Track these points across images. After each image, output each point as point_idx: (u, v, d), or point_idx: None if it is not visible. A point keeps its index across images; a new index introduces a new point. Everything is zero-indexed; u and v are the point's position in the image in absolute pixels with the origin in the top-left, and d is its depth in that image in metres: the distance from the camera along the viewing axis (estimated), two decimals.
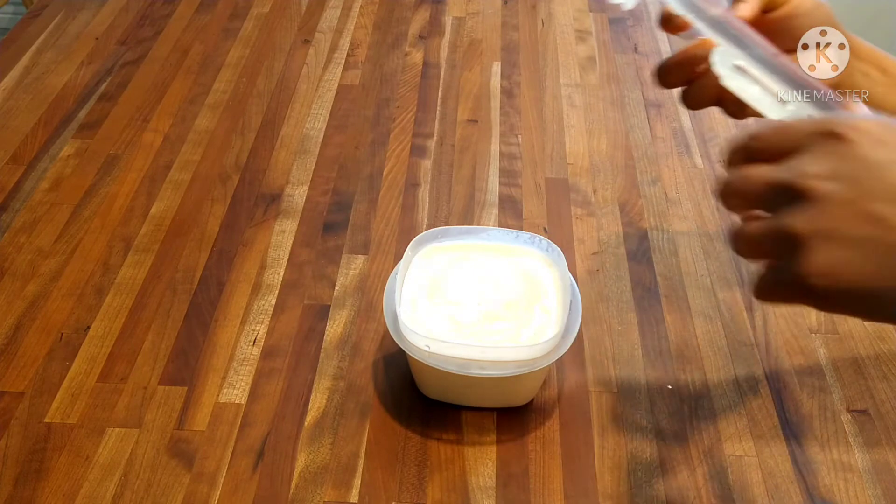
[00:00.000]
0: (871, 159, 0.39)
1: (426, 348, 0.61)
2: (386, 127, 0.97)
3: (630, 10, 1.19)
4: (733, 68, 0.51)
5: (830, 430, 0.66)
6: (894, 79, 0.59)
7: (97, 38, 1.12)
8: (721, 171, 0.91)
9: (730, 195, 0.42)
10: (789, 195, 0.40)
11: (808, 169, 0.39)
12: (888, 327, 0.74)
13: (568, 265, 0.67)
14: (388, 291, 0.65)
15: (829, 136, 0.40)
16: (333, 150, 0.93)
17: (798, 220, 0.39)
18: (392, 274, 0.67)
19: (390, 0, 1.21)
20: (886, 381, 0.69)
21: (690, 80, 0.55)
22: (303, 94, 1.02)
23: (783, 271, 0.40)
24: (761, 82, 0.51)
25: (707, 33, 0.51)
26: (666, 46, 1.12)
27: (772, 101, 0.50)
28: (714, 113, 1.00)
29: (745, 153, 0.43)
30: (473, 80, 1.05)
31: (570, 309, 0.63)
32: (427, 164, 0.92)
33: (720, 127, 0.98)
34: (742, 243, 0.42)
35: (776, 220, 0.40)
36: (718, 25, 0.51)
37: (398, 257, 0.77)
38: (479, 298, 0.66)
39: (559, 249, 0.68)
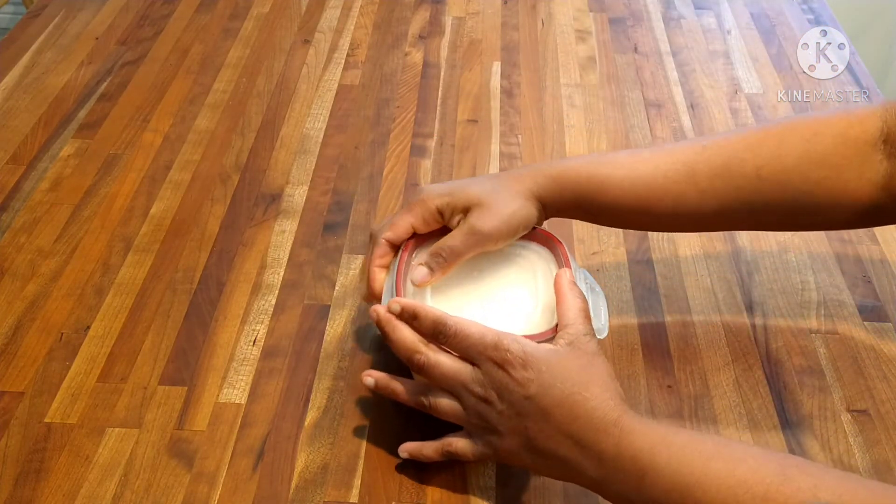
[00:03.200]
0: (521, 392, 0.55)
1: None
2: (386, 127, 0.97)
3: (630, 11, 1.20)
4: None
5: (830, 430, 0.66)
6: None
7: (97, 38, 1.12)
8: None
9: (421, 372, 0.59)
10: (462, 392, 0.58)
11: (472, 387, 0.57)
12: (888, 327, 0.74)
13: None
14: (387, 289, 0.65)
15: (493, 363, 0.56)
16: (333, 150, 0.93)
17: (475, 418, 0.58)
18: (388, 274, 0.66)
19: (390, 0, 1.21)
20: (886, 381, 0.69)
21: None
22: (303, 94, 1.02)
23: (471, 441, 0.59)
24: None
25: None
26: (666, 46, 1.12)
27: None
28: (714, 113, 1.00)
29: (434, 336, 0.58)
30: (473, 80, 1.05)
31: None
32: (427, 164, 0.92)
33: (720, 127, 0.98)
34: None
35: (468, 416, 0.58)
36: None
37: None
38: (480, 295, 0.65)
39: (562, 241, 0.67)
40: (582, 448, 0.54)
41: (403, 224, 0.65)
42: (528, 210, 0.65)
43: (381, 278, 0.66)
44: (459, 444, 0.59)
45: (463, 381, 0.57)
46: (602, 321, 0.63)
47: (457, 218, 0.65)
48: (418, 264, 0.64)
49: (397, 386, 0.61)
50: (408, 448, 0.61)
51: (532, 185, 0.65)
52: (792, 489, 0.48)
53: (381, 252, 0.66)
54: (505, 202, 0.64)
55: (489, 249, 0.65)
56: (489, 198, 0.64)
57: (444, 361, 0.58)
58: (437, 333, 0.58)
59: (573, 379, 0.56)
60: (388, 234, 0.66)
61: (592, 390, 0.55)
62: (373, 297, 0.66)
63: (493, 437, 0.57)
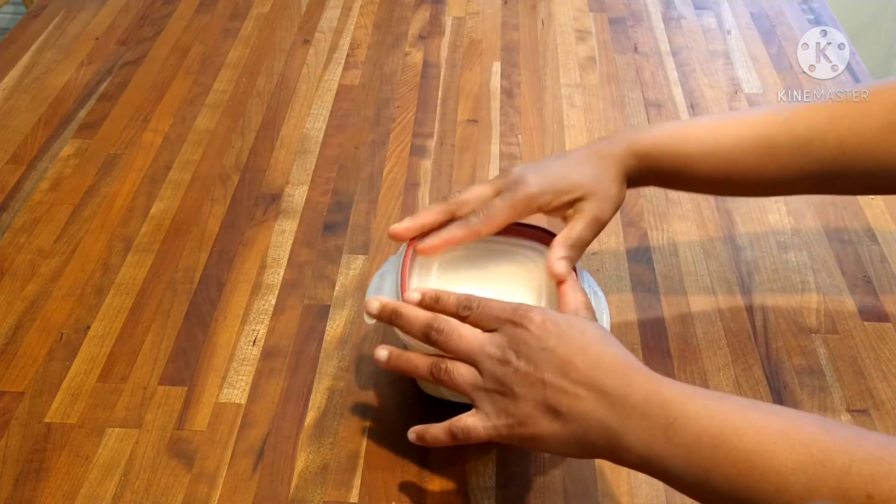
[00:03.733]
0: (538, 345, 0.54)
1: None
2: (386, 127, 0.97)
3: (630, 11, 1.20)
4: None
5: None
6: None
7: (97, 38, 1.12)
8: None
9: (438, 342, 0.57)
10: (481, 359, 0.56)
11: (489, 349, 0.55)
12: (888, 327, 0.74)
13: None
14: (390, 287, 0.65)
15: (513, 324, 0.55)
16: (333, 150, 0.93)
17: (492, 381, 0.55)
18: (379, 273, 0.66)
19: (390, 0, 1.21)
20: (886, 381, 0.69)
21: None
22: (303, 94, 1.02)
23: (483, 414, 0.55)
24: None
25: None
26: (666, 46, 1.12)
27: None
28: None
29: (457, 313, 0.58)
30: (473, 80, 1.05)
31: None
32: (427, 164, 0.92)
33: None
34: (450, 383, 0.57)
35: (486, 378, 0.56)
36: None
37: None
38: (486, 291, 0.65)
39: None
40: (605, 397, 0.51)
41: (502, 218, 0.65)
42: (623, 192, 0.67)
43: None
44: (469, 420, 0.56)
45: (481, 343, 0.56)
46: (604, 325, 0.63)
47: (563, 208, 0.65)
48: (559, 258, 0.63)
49: (412, 356, 0.59)
50: (415, 430, 0.59)
51: (623, 167, 0.66)
52: (834, 439, 0.45)
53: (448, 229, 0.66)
54: (609, 187, 0.65)
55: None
56: (597, 186, 0.65)
57: (464, 327, 0.57)
58: (462, 308, 0.57)
59: (592, 335, 0.54)
60: (483, 227, 0.64)
61: (612, 345, 0.54)
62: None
63: (509, 404, 0.54)
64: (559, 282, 0.62)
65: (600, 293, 0.66)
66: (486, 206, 0.64)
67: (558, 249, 0.63)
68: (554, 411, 0.53)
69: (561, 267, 0.62)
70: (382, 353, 0.60)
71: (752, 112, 0.71)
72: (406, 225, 0.65)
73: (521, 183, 0.64)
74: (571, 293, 0.60)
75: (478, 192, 0.65)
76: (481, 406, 0.56)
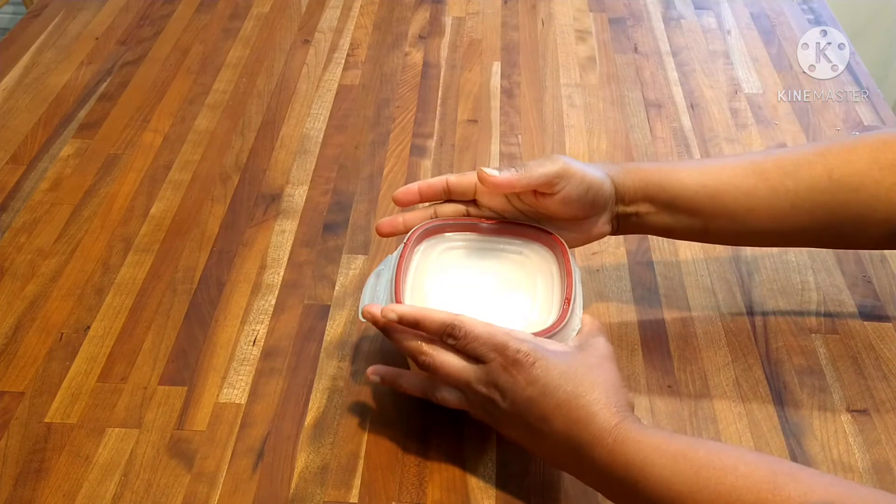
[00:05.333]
0: (524, 394, 0.56)
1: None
2: (386, 127, 0.97)
3: (630, 11, 1.20)
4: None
5: (830, 430, 0.66)
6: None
7: (97, 38, 1.12)
8: None
9: (422, 368, 0.60)
10: (466, 390, 0.59)
11: (476, 386, 0.58)
12: (888, 327, 0.74)
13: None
14: (385, 287, 0.65)
15: (501, 365, 0.57)
16: (333, 150, 0.93)
17: (477, 408, 0.60)
18: (376, 272, 0.66)
19: (390, 0, 1.21)
20: (886, 381, 0.69)
21: None
22: (303, 94, 1.02)
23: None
24: None
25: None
26: (666, 46, 1.12)
27: None
28: (714, 113, 1.00)
29: (448, 340, 0.59)
30: (473, 80, 1.05)
31: (573, 303, 0.63)
32: (427, 164, 0.92)
33: (720, 127, 0.98)
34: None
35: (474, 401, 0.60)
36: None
37: None
38: (479, 294, 0.65)
39: (563, 241, 0.67)
40: (578, 453, 0.55)
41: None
42: (606, 187, 0.66)
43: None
44: (449, 396, 0.60)
45: (468, 380, 0.58)
46: (575, 327, 0.64)
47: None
48: (495, 168, 0.64)
49: (403, 381, 0.63)
50: (378, 371, 0.63)
51: (610, 171, 0.67)
52: (782, 497, 0.48)
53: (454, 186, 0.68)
54: (588, 173, 0.65)
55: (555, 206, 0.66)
56: (575, 166, 0.65)
57: (450, 362, 0.59)
58: (446, 336, 0.59)
59: (578, 381, 0.56)
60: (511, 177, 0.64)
61: (595, 394, 0.56)
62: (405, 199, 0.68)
63: (498, 425, 0.60)
64: (480, 179, 0.64)
65: (578, 279, 0.65)
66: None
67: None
68: (538, 446, 0.58)
69: (498, 173, 0.64)
70: (375, 378, 0.63)
71: (739, 154, 0.73)
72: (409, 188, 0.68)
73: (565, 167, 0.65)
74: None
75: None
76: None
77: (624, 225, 0.69)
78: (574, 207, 0.66)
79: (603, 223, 0.68)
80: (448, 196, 0.69)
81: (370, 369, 0.63)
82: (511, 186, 0.64)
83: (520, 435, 0.58)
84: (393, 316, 0.59)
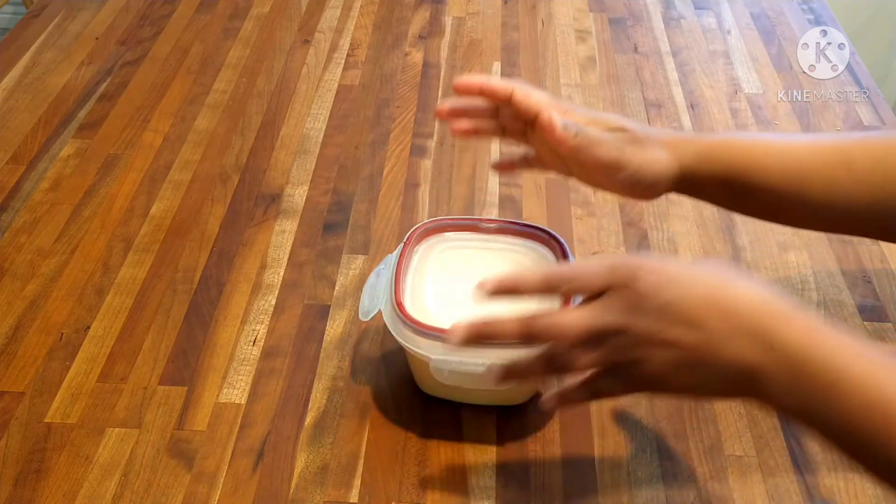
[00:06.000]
0: (658, 301, 0.48)
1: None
2: (386, 127, 0.97)
3: (630, 11, 1.20)
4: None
5: None
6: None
7: (97, 38, 1.12)
8: None
9: (537, 339, 0.51)
10: (600, 337, 0.49)
11: (601, 323, 0.49)
12: (888, 327, 0.74)
13: None
14: (385, 286, 0.64)
15: (621, 286, 0.49)
16: (333, 150, 0.93)
17: (617, 354, 0.49)
18: (376, 271, 0.66)
19: (390, 0, 1.21)
20: None
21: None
22: (303, 94, 1.02)
23: (618, 378, 0.51)
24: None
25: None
26: (666, 46, 1.12)
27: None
28: (714, 113, 1.00)
29: (549, 289, 0.52)
30: None
31: (573, 302, 0.63)
32: (427, 164, 0.92)
33: (720, 127, 0.98)
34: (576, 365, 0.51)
35: (603, 351, 0.50)
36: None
37: None
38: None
39: (563, 241, 0.67)
40: (752, 340, 0.46)
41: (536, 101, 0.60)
42: (665, 166, 0.60)
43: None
44: (602, 384, 0.51)
45: (589, 320, 0.49)
46: None
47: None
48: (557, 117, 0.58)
49: (523, 364, 0.53)
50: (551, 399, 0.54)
51: (681, 151, 0.60)
52: None
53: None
54: (648, 148, 0.59)
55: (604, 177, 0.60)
56: (637, 130, 0.60)
57: (569, 315, 0.50)
58: (552, 286, 0.52)
59: (714, 275, 0.49)
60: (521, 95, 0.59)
61: (743, 280, 0.48)
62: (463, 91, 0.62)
63: (642, 368, 0.49)
64: (540, 121, 0.58)
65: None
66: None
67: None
68: (690, 367, 0.48)
69: (557, 120, 0.58)
70: (455, 337, 0.53)
71: (824, 134, 0.66)
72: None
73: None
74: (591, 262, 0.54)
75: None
76: (611, 380, 0.51)
77: (679, 191, 0.63)
78: (620, 189, 0.61)
79: (651, 195, 0.62)
80: (505, 103, 0.62)
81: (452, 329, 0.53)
82: (560, 145, 0.59)
83: (667, 368, 0.48)
84: (489, 287, 0.52)
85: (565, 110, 0.60)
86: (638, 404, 0.67)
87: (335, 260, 0.80)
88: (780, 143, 0.62)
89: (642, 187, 0.60)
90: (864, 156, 0.60)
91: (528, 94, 0.61)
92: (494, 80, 0.61)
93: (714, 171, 0.60)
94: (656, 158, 0.60)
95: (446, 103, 0.63)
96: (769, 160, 0.60)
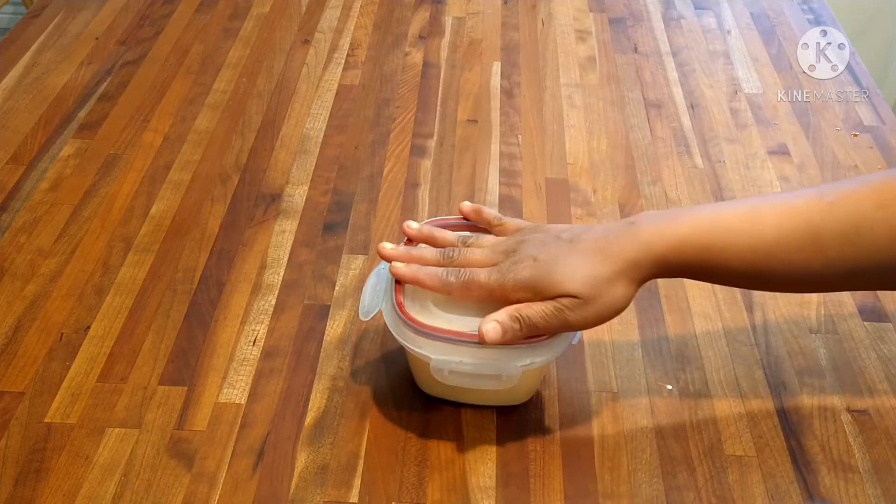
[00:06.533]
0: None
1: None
2: (386, 127, 0.97)
3: (630, 11, 1.20)
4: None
5: (830, 430, 0.66)
6: None
7: (97, 38, 1.12)
8: (720, 170, 0.91)
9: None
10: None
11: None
12: (888, 327, 0.74)
13: None
14: (384, 286, 0.65)
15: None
16: (333, 150, 0.93)
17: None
18: (376, 271, 0.66)
19: (390, 0, 1.21)
20: (887, 381, 0.69)
21: None
22: (303, 94, 1.02)
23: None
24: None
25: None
26: (666, 46, 1.12)
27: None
28: (714, 113, 1.00)
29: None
30: (473, 80, 1.05)
31: None
32: (427, 164, 0.92)
33: (720, 127, 0.98)
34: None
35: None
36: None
37: None
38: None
39: None
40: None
41: (477, 296, 0.61)
42: (627, 299, 0.60)
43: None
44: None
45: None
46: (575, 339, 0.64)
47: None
48: (492, 320, 0.58)
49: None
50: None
51: (634, 273, 0.59)
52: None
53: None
54: (605, 295, 0.59)
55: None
56: (589, 292, 0.59)
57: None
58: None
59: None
60: (455, 291, 0.61)
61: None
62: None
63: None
64: (481, 340, 0.58)
65: None
66: (470, 272, 0.61)
67: (501, 313, 0.59)
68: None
69: (489, 328, 0.58)
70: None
71: (793, 196, 0.62)
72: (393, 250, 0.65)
73: (512, 268, 0.60)
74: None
75: (475, 252, 0.63)
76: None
77: None
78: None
79: None
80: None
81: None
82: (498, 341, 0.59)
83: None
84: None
85: (509, 295, 0.60)
86: (638, 404, 0.67)
87: (335, 260, 0.80)
88: (744, 228, 0.60)
89: (605, 321, 0.61)
90: (833, 234, 0.58)
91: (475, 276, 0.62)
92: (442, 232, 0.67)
93: (675, 271, 0.61)
94: (610, 304, 0.60)
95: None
96: (731, 252, 0.59)
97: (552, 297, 0.59)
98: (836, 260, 0.58)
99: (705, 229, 0.60)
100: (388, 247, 0.65)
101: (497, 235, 0.65)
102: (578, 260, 0.59)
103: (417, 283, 0.62)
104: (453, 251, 0.63)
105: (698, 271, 0.61)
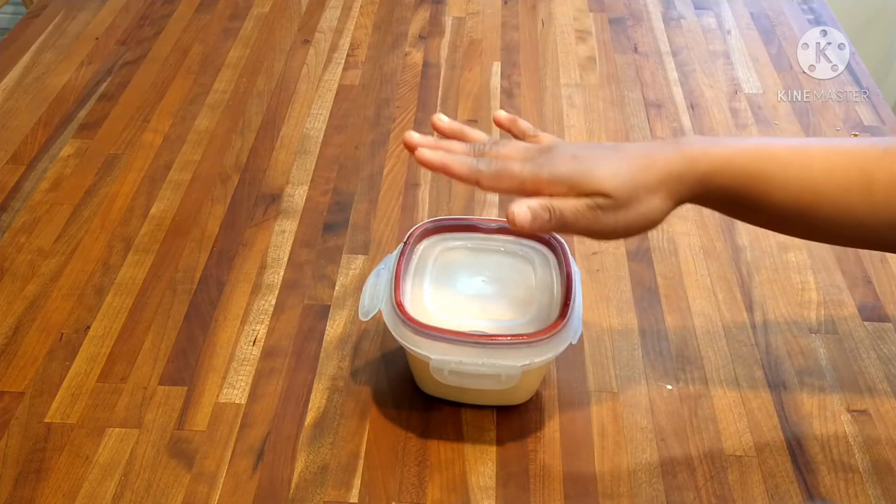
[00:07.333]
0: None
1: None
2: (386, 127, 0.97)
3: (630, 11, 1.20)
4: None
5: (830, 430, 0.66)
6: None
7: (97, 38, 1.12)
8: None
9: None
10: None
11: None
12: (888, 327, 0.74)
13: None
14: (384, 286, 0.65)
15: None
16: (333, 150, 0.93)
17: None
18: (376, 271, 0.66)
19: (390, 0, 1.21)
20: (887, 381, 0.69)
21: None
22: (303, 94, 1.02)
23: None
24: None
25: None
26: (666, 46, 1.12)
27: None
28: (714, 113, 1.00)
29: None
30: (473, 80, 1.05)
31: (572, 304, 0.63)
32: None
33: (720, 127, 0.98)
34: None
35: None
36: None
37: None
38: (479, 292, 0.65)
39: (563, 241, 0.67)
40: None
41: (508, 186, 0.58)
42: (663, 212, 0.57)
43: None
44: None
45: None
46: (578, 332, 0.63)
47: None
48: (524, 203, 0.55)
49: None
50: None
51: (674, 185, 0.57)
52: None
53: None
54: (641, 203, 0.56)
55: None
56: (626, 196, 0.56)
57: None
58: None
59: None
60: (486, 181, 0.57)
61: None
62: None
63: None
64: (510, 222, 0.55)
65: (577, 280, 0.65)
66: (503, 161, 0.58)
67: (533, 199, 0.56)
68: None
69: (520, 211, 0.55)
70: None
71: (846, 140, 0.60)
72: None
73: (549, 161, 0.57)
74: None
75: (510, 146, 0.59)
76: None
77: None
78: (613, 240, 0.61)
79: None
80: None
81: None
82: (536, 232, 0.57)
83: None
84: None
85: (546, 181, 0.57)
86: (638, 404, 0.67)
87: (335, 260, 0.80)
88: (793, 160, 0.57)
89: (634, 234, 0.59)
90: (885, 179, 0.55)
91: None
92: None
93: (716, 194, 0.58)
94: (645, 213, 0.56)
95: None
96: (776, 181, 0.56)
97: (588, 194, 0.55)
98: (881, 206, 0.55)
99: (752, 156, 0.57)
100: (415, 135, 0.59)
101: None
102: (621, 162, 0.56)
103: (445, 169, 0.57)
104: (485, 144, 0.59)
105: (739, 200, 0.57)
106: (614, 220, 0.56)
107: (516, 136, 0.63)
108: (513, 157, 0.58)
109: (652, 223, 0.57)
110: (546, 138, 0.61)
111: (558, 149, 0.58)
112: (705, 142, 0.58)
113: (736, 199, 0.58)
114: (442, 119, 0.62)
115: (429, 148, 0.58)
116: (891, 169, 0.55)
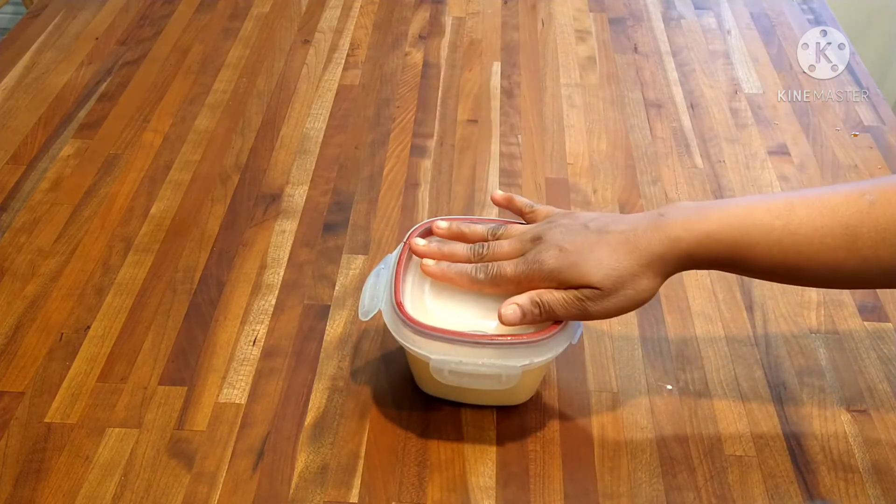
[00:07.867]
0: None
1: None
2: (386, 127, 0.97)
3: (630, 11, 1.20)
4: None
5: (830, 430, 0.66)
6: None
7: (97, 38, 1.12)
8: (720, 170, 0.91)
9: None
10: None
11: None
12: (888, 327, 0.74)
13: None
14: (384, 286, 0.65)
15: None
16: (333, 150, 0.93)
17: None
18: (376, 271, 0.66)
19: (390, 0, 1.21)
20: (887, 381, 0.69)
21: None
22: (303, 94, 1.02)
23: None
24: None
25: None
26: (666, 46, 1.12)
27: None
28: (714, 113, 1.00)
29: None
30: (473, 80, 1.05)
31: None
32: (427, 164, 0.92)
33: (720, 127, 0.98)
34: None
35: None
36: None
37: None
38: (478, 296, 0.65)
39: None
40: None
41: (505, 289, 0.62)
42: (651, 291, 0.60)
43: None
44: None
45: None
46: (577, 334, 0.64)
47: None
48: (513, 303, 0.60)
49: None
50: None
51: (663, 267, 0.59)
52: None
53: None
54: (629, 287, 0.59)
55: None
56: (613, 284, 0.59)
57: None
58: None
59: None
60: (486, 287, 0.63)
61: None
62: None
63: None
64: (501, 322, 0.60)
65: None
66: (498, 266, 0.62)
67: (523, 296, 0.60)
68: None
69: (509, 312, 0.59)
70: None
71: (830, 193, 0.59)
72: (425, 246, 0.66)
73: (536, 257, 0.61)
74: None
75: (503, 245, 0.63)
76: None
77: None
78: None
79: None
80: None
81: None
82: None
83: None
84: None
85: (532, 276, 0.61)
86: (638, 404, 0.67)
87: (335, 260, 0.80)
88: (776, 224, 0.58)
89: (628, 312, 0.61)
90: (870, 234, 0.56)
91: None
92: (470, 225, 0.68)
93: (703, 265, 0.60)
94: (632, 296, 0.59)
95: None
96: (760, 249, 0.58)
97: (575, 287, 0.59)
98: (870, 260, 0.56)
99: (735, 225, 0.58)
100: (420, 243, 0.65)
101: (528, 223, 0.66)
102: (603, 252, 0.59)
103: (448, 281, 0.63)
104: (483, 247, 0.64)
105: (726, 265, 0.60)
106: (604, 306, 0.59)
107: (515, 213, 0.68)
108: (507, 256, 0.62)
109: (642, 301, 0.60)
110: (542, 213, 0.65)
111: (547, 237, 0.61)
112: (687, 215, 0.59)
113: (723, 266, 0.61)
114: (440, 225, 0.67)
115: (433, 258, 0.64)
116: (875, 226, 0.56)
